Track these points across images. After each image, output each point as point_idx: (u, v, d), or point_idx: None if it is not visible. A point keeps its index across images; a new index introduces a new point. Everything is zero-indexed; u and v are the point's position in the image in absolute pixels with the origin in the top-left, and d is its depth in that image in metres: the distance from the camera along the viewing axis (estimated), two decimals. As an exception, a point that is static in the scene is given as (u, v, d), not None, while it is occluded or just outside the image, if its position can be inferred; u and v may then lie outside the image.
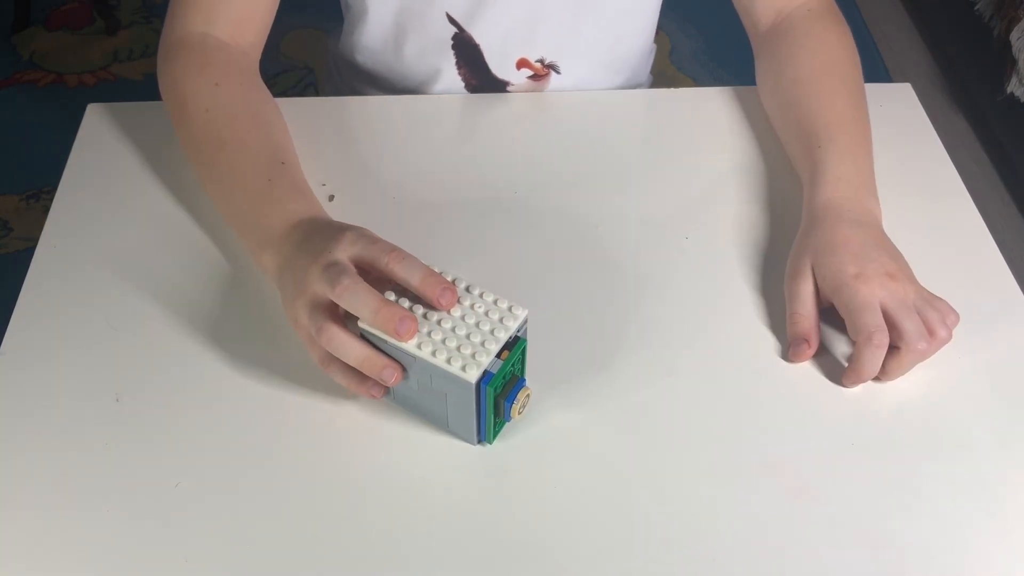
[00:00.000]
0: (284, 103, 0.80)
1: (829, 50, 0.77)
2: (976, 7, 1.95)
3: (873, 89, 0.85)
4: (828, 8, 0.80)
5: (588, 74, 0.88)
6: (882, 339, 0.61)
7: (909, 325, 0.62)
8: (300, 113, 0.81)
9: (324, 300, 0.56)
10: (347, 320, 0.57)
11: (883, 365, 0.62)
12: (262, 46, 0.79)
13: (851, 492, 0.59)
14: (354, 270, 0.56)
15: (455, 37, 0.84)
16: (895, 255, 0.66)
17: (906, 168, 0.79)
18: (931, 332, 0.62)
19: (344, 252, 0.57)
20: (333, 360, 0.58)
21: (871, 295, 0.62)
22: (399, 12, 0.84)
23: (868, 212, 0.68)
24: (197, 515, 0.57)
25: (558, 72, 0.87)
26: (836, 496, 0.58)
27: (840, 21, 0.80)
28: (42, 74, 2.02)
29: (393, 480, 0.59)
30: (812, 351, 0.64)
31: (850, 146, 0.71)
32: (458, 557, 0.55)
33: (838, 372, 0.65)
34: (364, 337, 0.57)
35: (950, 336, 0.62)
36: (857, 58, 0.78)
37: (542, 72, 0.87)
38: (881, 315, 0.62)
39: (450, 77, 0.87)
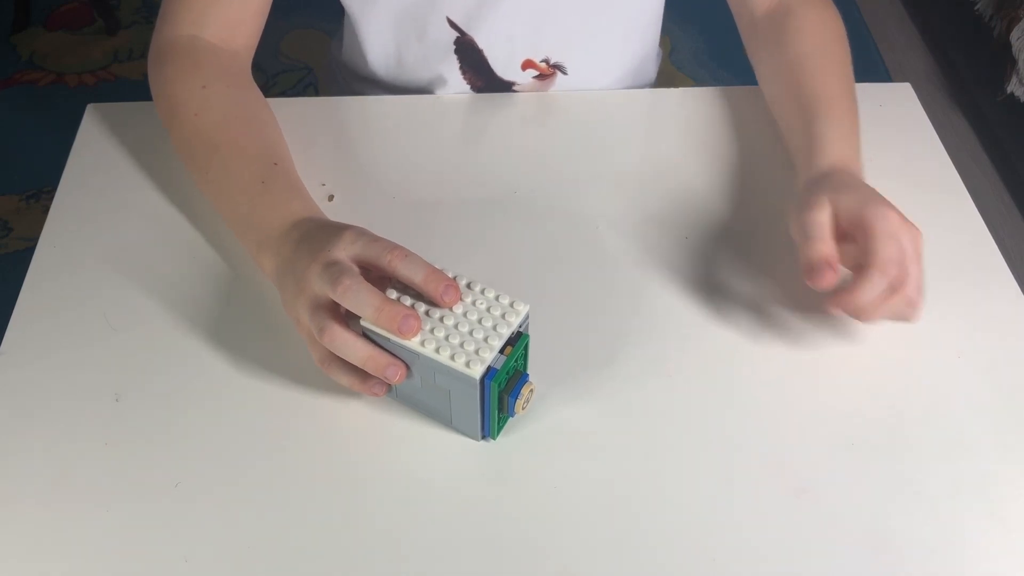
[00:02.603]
0: (284, 103, 0.80)
1: (825, 33, 0.79)
2: (976, 7, 1.95)
3: (873, 89, 0.85)
4: None
5: (594, 74, 0.88)
6: (899, 282, 0.60)
7: (915, 273, 0.60)
8: (300, 113, 0.81)
9: (325, 300, 0.56)
10: (348, 319, 0.57)
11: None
12: (253, 49, 0.79)
13: (851, 492, 0.59)
14: (355, 269, 0.56)
15: (457, 41, 0.84)
16: None
17: (906, 168, 0.79)
18: (912, 296, 0.60)
19: (344, 251, 0.57)
20: (334, 360, 0.58)
21: (900, 229, 0.61)
22: (399, 19, 0.84)
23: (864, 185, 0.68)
24: (197, 515, 0.57)
25: (564, 72, 0.87)
26: (836, 496, 0.58)
27: (832, 8, 0.82)
28: (42, 74, 2.02)
29: (396, 477, 0.59)
30: (837, 276, 0.61)
31: (845, 124, 0.72)
32: (462, 553, 0.55)
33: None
34: (366, 335, 0.57)
35: (916, 313, 0.61)
36: (847, 41, 0.80)
37: (548, 72, 0.87)
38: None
39: (455, 81, 0.87)
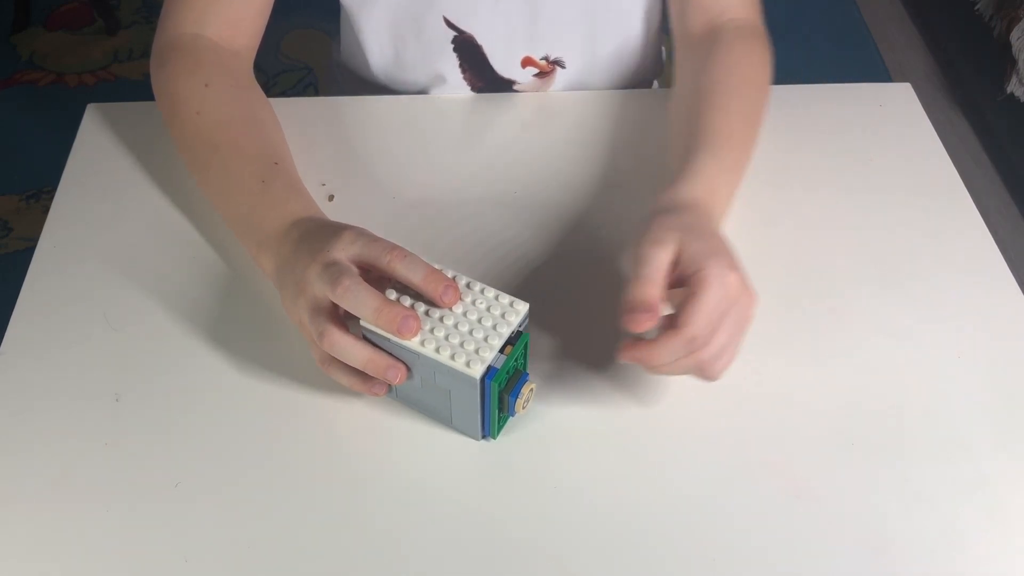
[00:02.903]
0: (285, 103, 0.80)
1: (745, 69, 0.75)
2: (976, 7, 1.95)
3: (873, 89, 0.85)
4: (755, 29, 0.79)
5: (594, 70, 0.88)
6: (700, 350, 0.56)
7: (720, 340, 0.56)
8: (300, 113, 0.81)
9: (324, 301, 0.56)
10: (348, 319, 0.57)
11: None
12: (255, 48, 0.79)
13: (851, 492, 0.59)
14: (354, 270, 0.56)
15: (455, 40, 0.84)
16: None
17: (906, 168, 0.79)
18: (707, 362, 0.57)
19: (343, 251, 0.57)
20: (334, 360, 0.58)
21: (732, 295, 0.56)
22: (396, 18, 0.84)
23: (719, 227, 0.65)
24: (197, 515, 0.57)
25: (563, 66, 0.87)
26: (836, 496, 0.58)
27: (764, 44, 0.78)
28: (42, 74, 2.02)
29: (396, 477, 0.59)
30: (652, 324, 0.56)
31: (727, 163, 0.69)
32: (462, 552, 0.55)
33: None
34: (366, 336, 0.57)
35: (713, 375, 0.58)
36: (768, 83, 0.76)
37: (547, 69, 0.87)
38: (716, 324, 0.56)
39: (455, 81, 0.87)
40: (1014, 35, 1.81)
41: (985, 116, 1.90)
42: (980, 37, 1.92)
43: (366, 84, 0.91)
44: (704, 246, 0.57)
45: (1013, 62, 1.81)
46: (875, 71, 2.06)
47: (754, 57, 0.76)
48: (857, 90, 0.86)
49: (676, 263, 0.58)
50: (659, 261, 0.57)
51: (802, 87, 0.86)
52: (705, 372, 0.57)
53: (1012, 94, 1.82)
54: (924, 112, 0.84)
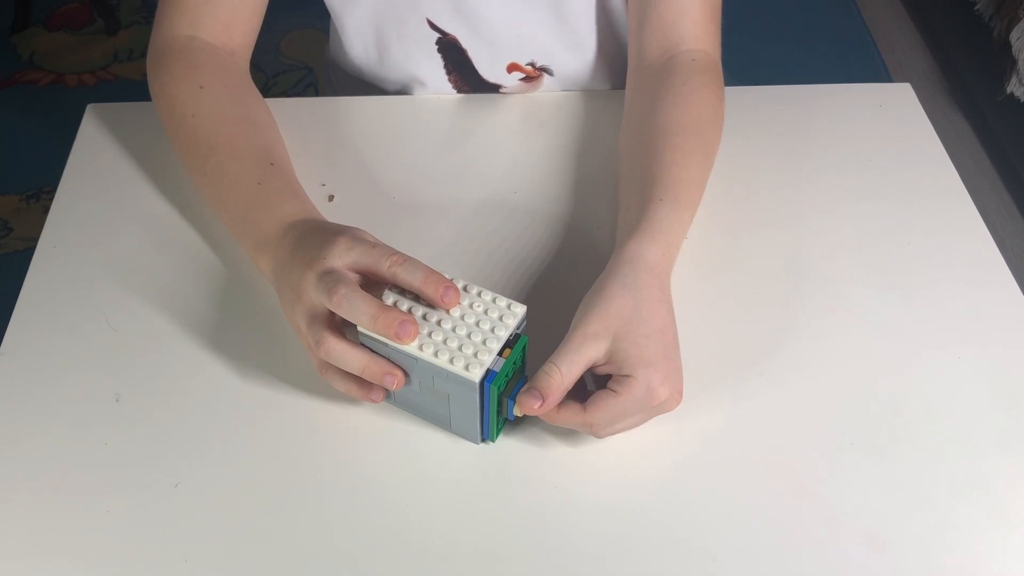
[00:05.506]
0: (284, 103, 0.80)
1: (699, 108, 0.73)
2: (976, 7, 1.95)
3: (873, 89, 0.85)
4: (710, 64, 0.77)
5: (582, 75, 0.88)
6: (599, 434, 0.58)
7: (617, 427, 0.58)
8: (300, 113, 0.81)
9: (321, 309, 0.56)
10: (346, 325, 0.57)
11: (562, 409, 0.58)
12: (251, 47, 0.79)
13: (851, 492, 0.59)
14: (350, 277, 0.56)
15: (439, 41, 0.84)
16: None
17: (906, 168, 0.79)
18: (597, 434, 0.59)
19: (339, 259, 0.57)
20: (332, 367, 0.58)
21: (644, 404, 0.57)
22: (377, 19, 0.84)
23: (668, 285, 0.64)
24: (197, 515, 0.57)
25: (551, 74, 0.86)
26: (836, 496, 0.58)
27: (718, 81, 0.76)
28: (42, 74, 2.02)
29: (396, 479, 0.59)
30: (542, 411, 0.57)
31: (686, 210, 0.68)
32: (462, 555, 0.55)
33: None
34: (364, 343, 0.57)
35: (599, 437, 0.59)
36: (721, 121, 0.75)
37: (534, 75, 0.86)
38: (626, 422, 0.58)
39: (440, 83, 0.86)
40: (1014, 35, 1.81)
41: (985, 116, 1.90)
42: (980, 37, 1.92)
43: (353, 83, 0.91)
44: (639, 353, 0.57)
45: (1013, 62, 1.81)
46: (875, 71, 2.06)
47: (708, 94, 0.74)
48: (857, 90, 0.86)
49: (604, 359, 0.58)
50: (582, 358, 0.57)
51: (802, 87, 0.86)
52: (593, 435, 0.59)
53: (1012, 94, 1.82)
54: (924, 112, 0.84)
